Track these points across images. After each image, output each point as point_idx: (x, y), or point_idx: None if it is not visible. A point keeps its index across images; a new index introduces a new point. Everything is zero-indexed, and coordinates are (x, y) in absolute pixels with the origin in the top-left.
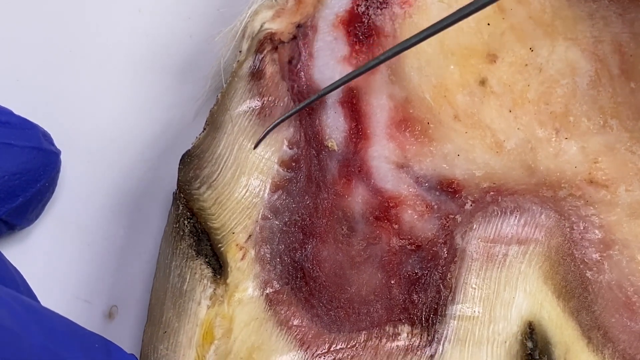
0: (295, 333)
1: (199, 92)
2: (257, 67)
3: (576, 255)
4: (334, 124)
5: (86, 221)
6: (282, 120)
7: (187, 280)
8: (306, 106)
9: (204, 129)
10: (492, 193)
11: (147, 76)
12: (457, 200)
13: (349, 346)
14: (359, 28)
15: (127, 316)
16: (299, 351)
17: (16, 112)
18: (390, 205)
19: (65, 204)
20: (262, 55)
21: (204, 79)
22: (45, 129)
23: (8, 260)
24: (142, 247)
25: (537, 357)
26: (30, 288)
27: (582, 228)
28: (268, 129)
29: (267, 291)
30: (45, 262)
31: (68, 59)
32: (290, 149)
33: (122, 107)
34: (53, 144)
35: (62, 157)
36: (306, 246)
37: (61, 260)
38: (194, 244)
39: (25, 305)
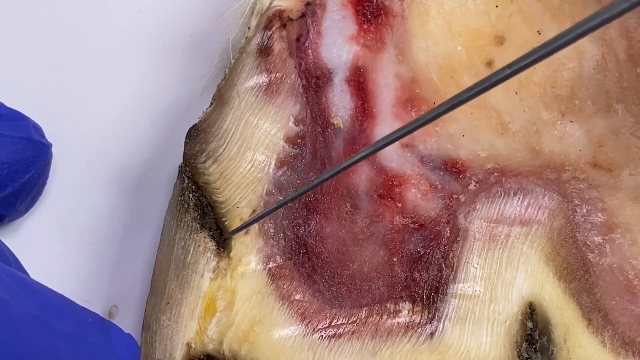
0: (297, 307)
1: (207, 69)
2: (265, 43)
3: (578, 238)
4: (340, 102)
5: (86, 220)
6: (262, 217)
7: (191, 252)
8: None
9: (211, 103)
10: (496, 174)
11: (152, 59)
12: (461, 180)
13: (349, 322)
14: (367, 7)
15: (127, 316)
16: (300, 325)
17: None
18: (395, 183)
19: (58, 199)
20: (271, 32)
21: (211, 56)
22: (45, 127)
23: None
24: (142, 246)
25: (537, 338)
26: (21, 264)
27: (584, 211)
28: (248, 222)
29: (270, 265)
30: (41, 259)
31: (68, 58)
32: (296, 125)
33: (123, 104)
34: (44, 137)
35: (58, 153)
36: (310, 222)
37: (59, 260)
38: (199, 217)
39: (15, 277)
